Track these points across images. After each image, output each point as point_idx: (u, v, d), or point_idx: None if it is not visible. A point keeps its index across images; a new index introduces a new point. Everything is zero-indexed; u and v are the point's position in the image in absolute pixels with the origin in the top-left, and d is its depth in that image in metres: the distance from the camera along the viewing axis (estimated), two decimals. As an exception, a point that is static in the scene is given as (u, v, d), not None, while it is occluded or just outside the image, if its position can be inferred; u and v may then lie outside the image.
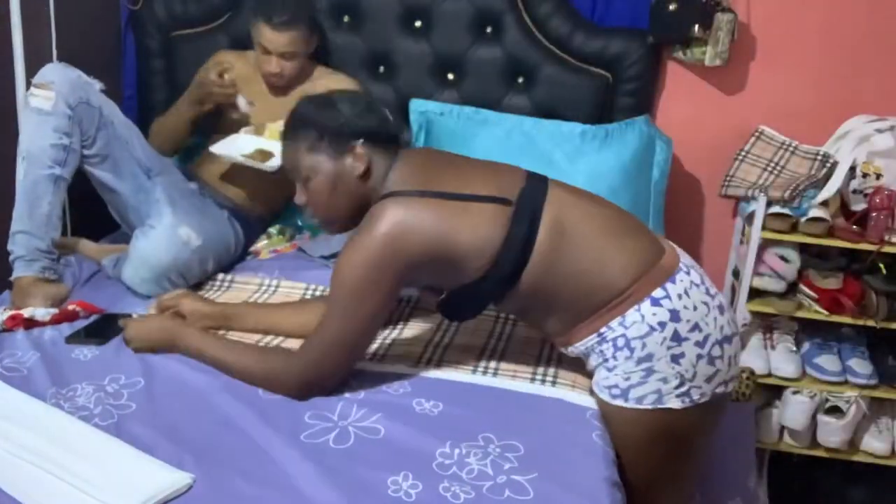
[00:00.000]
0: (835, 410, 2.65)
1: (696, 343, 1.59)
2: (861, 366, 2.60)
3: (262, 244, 2.47)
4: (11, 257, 2.10)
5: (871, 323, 2.52)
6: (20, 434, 1.49)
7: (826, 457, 2.69)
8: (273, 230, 2.50)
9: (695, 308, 1.60)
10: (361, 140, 1.66)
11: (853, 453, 2.67)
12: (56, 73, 2.13)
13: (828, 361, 2.62)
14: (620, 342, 1.60)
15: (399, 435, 1.56)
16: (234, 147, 2.40)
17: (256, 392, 1.69)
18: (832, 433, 2.64)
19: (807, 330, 2.72)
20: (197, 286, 2.20)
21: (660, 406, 1.60)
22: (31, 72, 2.37)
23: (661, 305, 1.58)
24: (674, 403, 1.60)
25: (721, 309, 1.65)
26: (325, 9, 2.75)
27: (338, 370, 1.68)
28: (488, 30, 2.71)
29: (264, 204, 2.54)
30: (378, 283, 1.59)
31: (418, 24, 2.73)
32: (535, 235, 1.60)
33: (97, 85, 2.20)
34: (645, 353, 1.58)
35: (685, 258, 1.69)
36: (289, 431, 1.55)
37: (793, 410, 2.65)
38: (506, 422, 1.61)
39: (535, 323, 1.77)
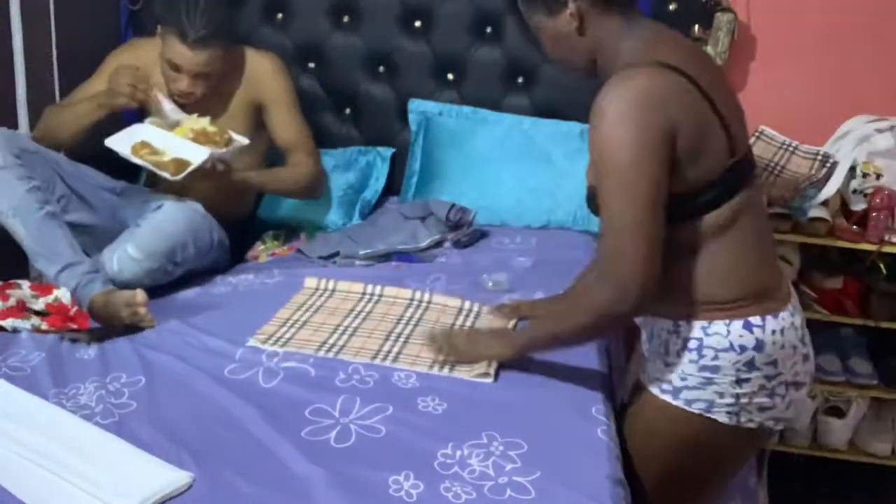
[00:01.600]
0: (835, 411, 2.65)
1: (765, 376, 1.56)
2: (861, 366, 2.60)
3: (259, 249, 2.46)
4: (70, 291, 1.98)
5: (871, 323, 2.52)
6: (22, 433, 1.49)
7: (826, 457, 2.69)
8: (267, 236, 2.50)
9: (782, 347, 1.56)
10: None
11: (854, 453, 2.67)
12: None
13: (828, 362, 2.62)
14: (693, 344, 1.56)
15: (401, 433, 1.55)
16: (135, 139, 2.16)
17: (258, 389, 1.68)
18: (833, 433, 2.65)
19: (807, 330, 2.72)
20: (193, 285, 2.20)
21: (707, 415, 1.58)
22: (31, 72, 2.38)
23: (751, 332, 1.54)
24: (722, 418, 1.58)
25: (805, 358, 1.62)
26: (326, 9, 2.75)
27: (645, 261, 1.45)
28: (488, 30, 2.71)
29: (224, 212, 2.39)
30: (651, 146, 1.43)
31: (418, 24, 2.74)
32: (733, 197, 1.53)
33: (25, 134, 2.13)
34: (712, 365, 1.55)
35: (795, 300, 1.65)
36: (289, 429, 1.54)
37: (793, 410, 2.65)
38: (510, 418, 1.61)
39: None
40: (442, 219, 2.47)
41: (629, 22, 1.57)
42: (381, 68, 2.79)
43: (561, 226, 2.61)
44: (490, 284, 2.17)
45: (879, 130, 2.52)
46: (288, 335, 1.89)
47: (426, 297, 2.10)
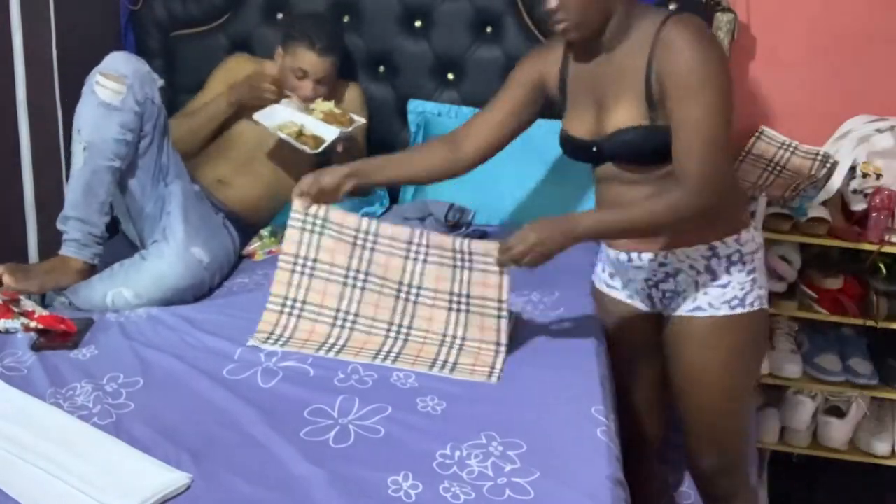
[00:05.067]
0: (835, 410, 2.65)
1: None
2: (862, 366, 2.60)
3: (255, 246, 2.46)
4: (65, 237, 2.06)
5: (871, 323, 2.52)
6: (19, 434, 1.49)
7: (826, 457, 2.69)
8: (265, 232, 2.50)
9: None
10: None
11: (854, 453, 2.67)
12: (128, 65, 2.05)
13: (828, 361, 2.62)
14: (735, 257, 1.84)
15: (400, 434, 1.55)
16: (280, 119, 2.44)
17: (256, 389, 1.68)
18: (833, 433, 2.65)
19: (807, 330, 2.72)
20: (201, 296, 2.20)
21: (763, 307, 1.88)
22: (31, 72, 2.37)
23: (756, 230, 1.90)
24: (765, 305, 1.90)
25: None
26: (326, 10, 2.75)
27: (726, 170, 1.75)
28: (488, 30, 2.71)
29: (258, 212, 2.53)
30: (728, 74, 1.72)
31: (418, 24, 2.73)
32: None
33: (160, 82, 2.13)
34: (753, 266, 1.85)
35: None
36: (288, 429, 1.54)
37: (793, 410, 2.65)
38: (509, 419, 1.61)
39: None
40: (441, 219, 2.46)
41: None
42: (381, 68, 2.79)
43: (560, 226, 2.60)
44: None
45: (879, 130, 2.52)
46: (290, 325, 1.88)
47: (424, 239, 1.91)
